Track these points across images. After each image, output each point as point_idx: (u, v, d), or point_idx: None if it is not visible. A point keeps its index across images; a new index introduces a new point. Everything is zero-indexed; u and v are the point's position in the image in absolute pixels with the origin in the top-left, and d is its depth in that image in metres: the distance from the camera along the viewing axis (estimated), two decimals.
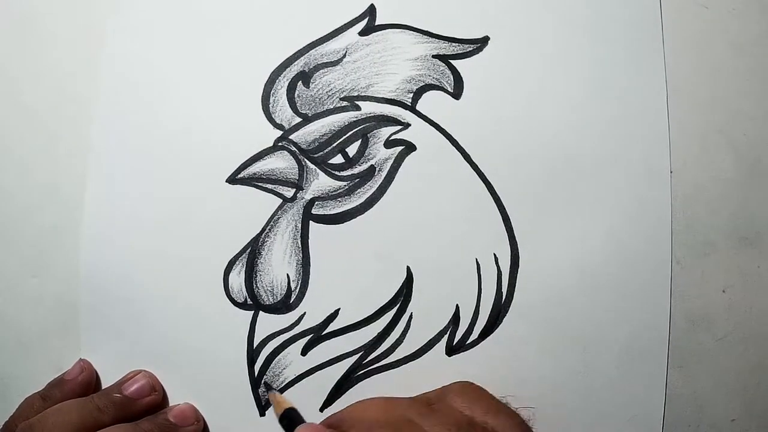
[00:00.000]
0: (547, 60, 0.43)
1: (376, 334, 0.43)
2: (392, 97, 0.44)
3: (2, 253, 0.46)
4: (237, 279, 0.43)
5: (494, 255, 0.43)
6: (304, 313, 0.43)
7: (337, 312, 0.43)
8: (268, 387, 0.42)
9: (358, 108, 0.44)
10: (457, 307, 0.42)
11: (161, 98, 0.45)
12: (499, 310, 0.42)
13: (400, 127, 0.43)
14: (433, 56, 0.44)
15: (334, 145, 0.43)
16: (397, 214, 0.43)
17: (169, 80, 0.45)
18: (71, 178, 0.46)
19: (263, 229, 0.44)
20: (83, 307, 0.45)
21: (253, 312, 0.43)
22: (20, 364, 0.46)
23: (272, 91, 0.44)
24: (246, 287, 0.43)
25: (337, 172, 0.43)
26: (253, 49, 0.45)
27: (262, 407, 0.43)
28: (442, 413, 0.37)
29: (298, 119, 0.44)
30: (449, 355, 0.42)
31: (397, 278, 0.43)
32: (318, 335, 0.43)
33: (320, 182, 0.44)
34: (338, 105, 0.44)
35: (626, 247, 0.42)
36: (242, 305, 0.43)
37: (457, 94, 0.43)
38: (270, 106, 0.44)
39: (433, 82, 0.44)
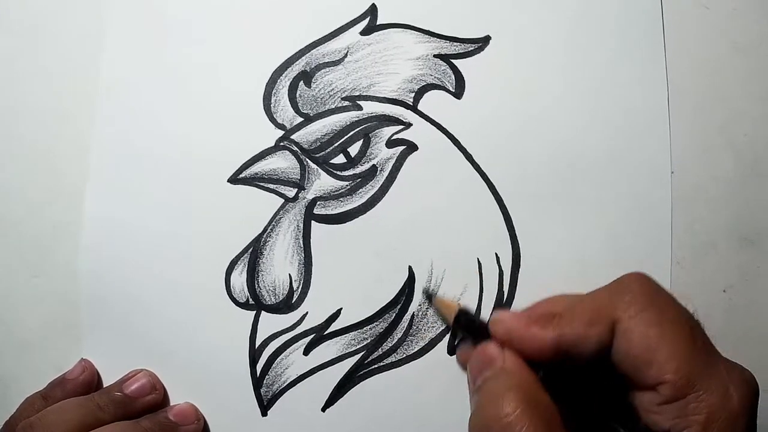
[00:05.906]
0: (548, 60, 0.43)
1: (378, 334, 0.43)
2: (394, 97, 0.44)
3: (3, 253, 0.46)
4: (239, 279, 0.43)
5: (496, 254, 0.43)
6: (306, 313, 0.43)
7: (339, 312, 0.43)
8: (430, 296, 0.37)
9: (359, 108, 0.44)
10: None
11: (162, 98, 0.45)
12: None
13: (401, 127, 0.43)
14: (435, 56, 0.44)
15: (336, 144, 0.43)
16: (399, 213, 0.43)
17: (170, 80, 0.45)
18: (72, 178, 0.45)
19: (265, 229, 0.44)
20: (84, 306, 0.45)
21: (255, 312, 0.43)
22: (21, 364, 0.46)
23: (274, 91, 0.44)
24: (248, 287, 0.43)
25: (338, 172, 0.43)
26: (255, 48, 0.44)
27: (264, 407, 0.43)
28: None
29: (300, 119, 0.44)
30: (451, 355, 0.42)
31: (398, 278, 0.43)
32: (320, 335, 0.43)
33: (322, 182, 0.44)
34: (340, 105, 0.44)
35: (626, 247, 0.42)
36: (244, 305, 0.43)
37: (458, 93, 0.43)
38: (271, 105, 0.44)
39: (434, 82, 0.44)
